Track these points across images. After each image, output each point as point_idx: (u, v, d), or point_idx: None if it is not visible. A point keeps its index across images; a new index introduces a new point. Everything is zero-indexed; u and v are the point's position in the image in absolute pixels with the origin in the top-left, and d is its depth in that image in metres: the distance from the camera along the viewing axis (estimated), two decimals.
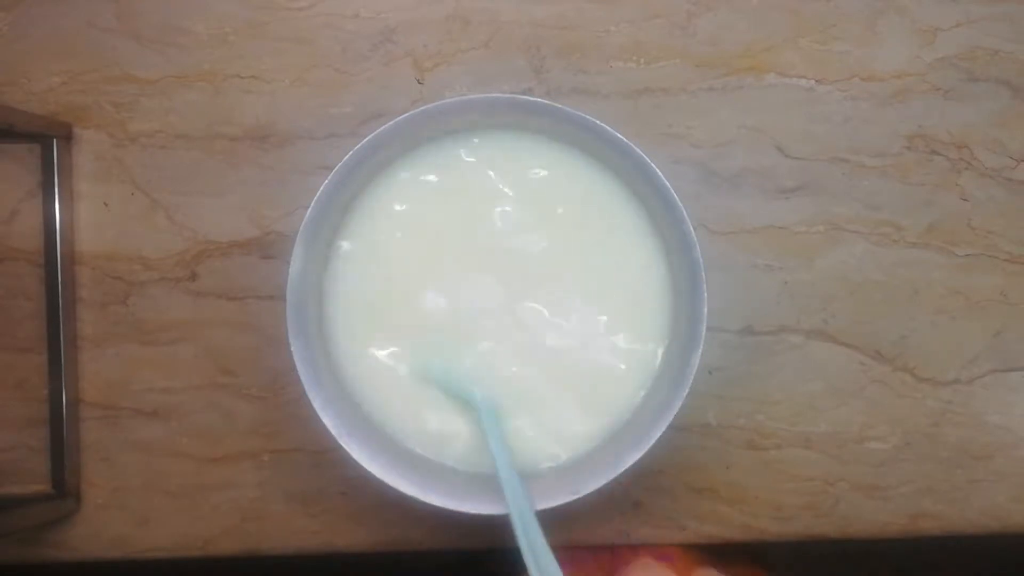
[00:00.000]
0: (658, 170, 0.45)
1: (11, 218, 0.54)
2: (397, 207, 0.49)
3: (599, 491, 0.44)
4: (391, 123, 0.45)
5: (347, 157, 0.45)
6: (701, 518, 0.53)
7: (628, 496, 0.53)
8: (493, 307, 0.48)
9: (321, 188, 0.45)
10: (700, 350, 0.45)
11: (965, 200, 0.54)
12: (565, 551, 0.56)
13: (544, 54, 0.54)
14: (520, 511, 0.41)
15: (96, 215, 0.54)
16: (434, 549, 0.53)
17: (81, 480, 0.53)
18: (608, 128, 0.46)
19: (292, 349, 0.45)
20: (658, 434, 0.44)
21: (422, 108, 0.46)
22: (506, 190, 0.49)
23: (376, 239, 0.49)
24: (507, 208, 0.49)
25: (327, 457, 0.53)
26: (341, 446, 0.44)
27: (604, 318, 0.48)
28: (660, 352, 0.48)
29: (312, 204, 0.45)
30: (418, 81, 0.54)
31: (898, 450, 0.54)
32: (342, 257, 0.48)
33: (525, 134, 0.49)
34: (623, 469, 0.44)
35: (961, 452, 0.54)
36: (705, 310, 0.45)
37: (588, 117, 0.46)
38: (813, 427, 0.54)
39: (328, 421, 0.45)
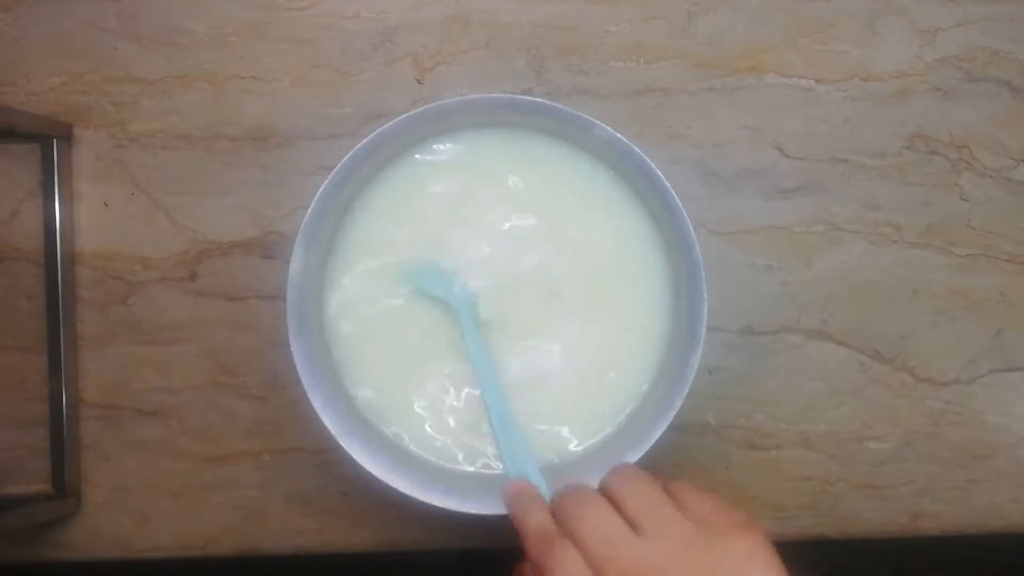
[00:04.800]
0: (658, 170, 0.45)
1: (11, 218, 0.54)
2: (397, 207, 0.49)
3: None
4: (391, 123, 0.45)
5: (347, 157, 0.45)
6: None
7: None
8: (492, 306, 0.48)
9: (321, 188, 0.45)
10: (700, 350, 0.45)
11: (965, 200, 0.54)
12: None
13: (544, 54, 0.54)
14: (496, 403, 0.44)
15: (96, 215, 0.54)
16: (434, 549, 0.53)
17: (81, 480, 0.53)
18: (608, 128, 0.46)
19: (292, 349, 0.45)
20: (658, 434, 0.44)
21: (422, 108, 0.46)
22: (506, 190, 0.49)
23: (376, 239, 0.49)
24: (507, 208, 0.49)
25: (327, 457, 0.53)
26: (341, 446, 0.44)
27: (603, 317, 0.48)
28: (660, 352, 0.48)
29: (312, 204, 0.45)
30: (418, 81, 0.54)
31: (898, 450, 0.54)
32: (342, 257, 0.48)
33: (525, 134, 0.49)
34: None
35: (961, 452, 0.54)
36: (705, 310, 0.45)
37: (588, 117, 0.46)
38: (813, 427, 0.54)
39: (328, 421, 0.45)
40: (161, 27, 0.54)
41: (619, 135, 0.46)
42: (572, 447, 0.48)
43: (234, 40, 0.54)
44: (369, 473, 0.44)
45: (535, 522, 0.36)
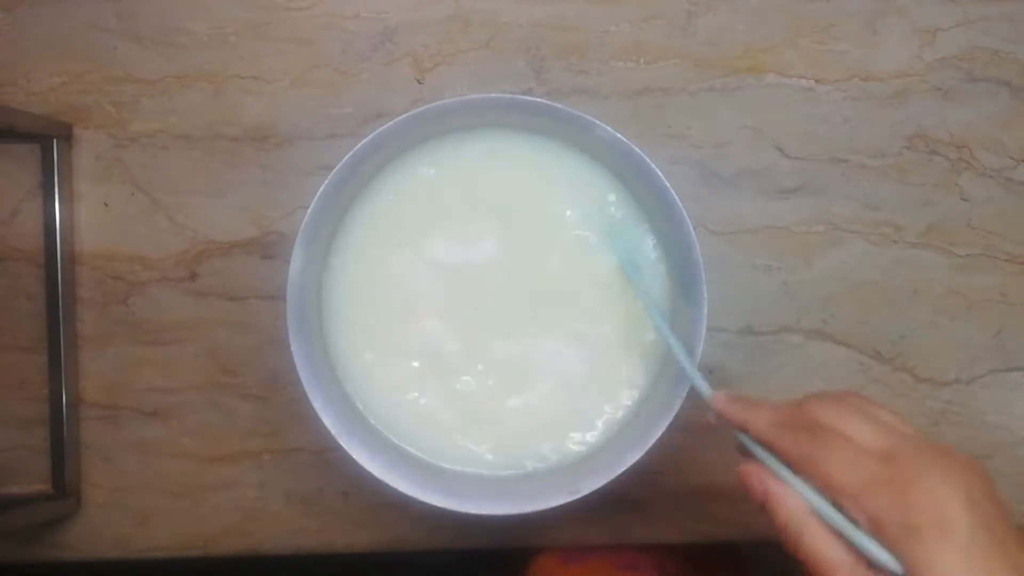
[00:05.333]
0: (658, 171, 0.45)
1: (11, 218, 0.54)
2: (397, 206, 0.49)
3: (599, 491, 0.44)
4: (391, 123, 0.45)
5: (347, 157, 0.45)
6: (701, 518, 0.53)
7: (628, 496, 0.53)
8: (490, 303, 0.48)
9: (321, 188, 0.45)
10: (700, 350, 0.45)
11: (965, 200, 0.54)
12: (578, 551, 0.57)
13: (544, 54, 0.54)
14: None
15: (96, 215, 0.54)
16: (434, 549, 0.53)
17: (81, 480, 0.53)
18: (608, 128, 0.46)
19: (292, 349, 0.45)
20: (658, 434, 0.44)
21: (422, 108, 0.46)
22: (505, 190, 0.49)
23: (376, 239, 0.49)
24: (506, 208, 0.49)
25: (327, 457, 0.53)
26: (341, 446, 0.44)
27: (604, 317, 0.48)
28: (660, 352, 0.48)
29: (312, 204, 0.45)
30: (418, 81, 0.54)
31: None
32: (342, 257, 0.48)
33: (525, 134, 0.49)
34: (623, 469, 0.44)
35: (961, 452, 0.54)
36: (705, 310, 0.45)
37: (588, 117, 0.46)
38: None
39: (328, 421, 0.45)
40: (161, 27, 0.54)
41: (619, 135, 0.46)
42: (572, 446, 0.48)
43: (234, 40, 0.54)
44: (369, 473, 0.44)
45: (767, 416, 0.37)
